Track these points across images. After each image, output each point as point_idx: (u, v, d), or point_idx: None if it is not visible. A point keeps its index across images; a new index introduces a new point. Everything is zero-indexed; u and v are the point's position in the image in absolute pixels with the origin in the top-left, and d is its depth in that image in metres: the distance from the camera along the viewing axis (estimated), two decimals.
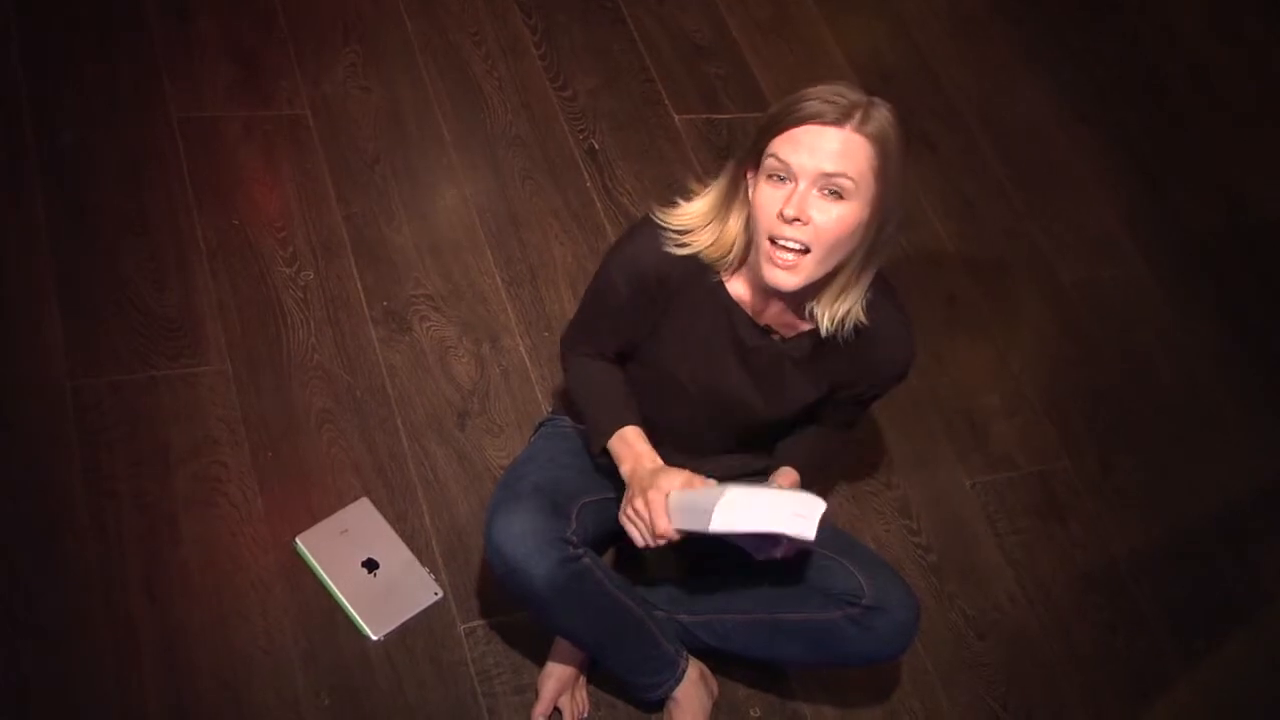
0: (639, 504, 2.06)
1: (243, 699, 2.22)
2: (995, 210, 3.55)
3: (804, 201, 1.90)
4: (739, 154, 2.03)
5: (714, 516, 1.93)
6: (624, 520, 2.10)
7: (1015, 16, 4.10)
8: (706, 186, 2.09)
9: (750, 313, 2.12)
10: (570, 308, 2.88)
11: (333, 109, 3.07)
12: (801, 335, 2.13)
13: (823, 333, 2.08)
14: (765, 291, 2.07)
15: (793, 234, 1.92)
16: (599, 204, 3.12)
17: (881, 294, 2.10)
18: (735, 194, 2.03)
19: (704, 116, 3.41)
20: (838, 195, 1.90)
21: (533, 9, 3.47)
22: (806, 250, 1.93)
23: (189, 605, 2.29)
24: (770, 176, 1.93)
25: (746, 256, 2.07)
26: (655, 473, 2.08)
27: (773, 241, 1.94)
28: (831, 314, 2.05)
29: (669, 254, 2.07)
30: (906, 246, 3.34)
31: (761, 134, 1.95)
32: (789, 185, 1.91)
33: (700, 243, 2.06)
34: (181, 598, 2.30)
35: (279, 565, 2.38)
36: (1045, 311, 3.37)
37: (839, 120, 1.89)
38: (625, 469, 2.15)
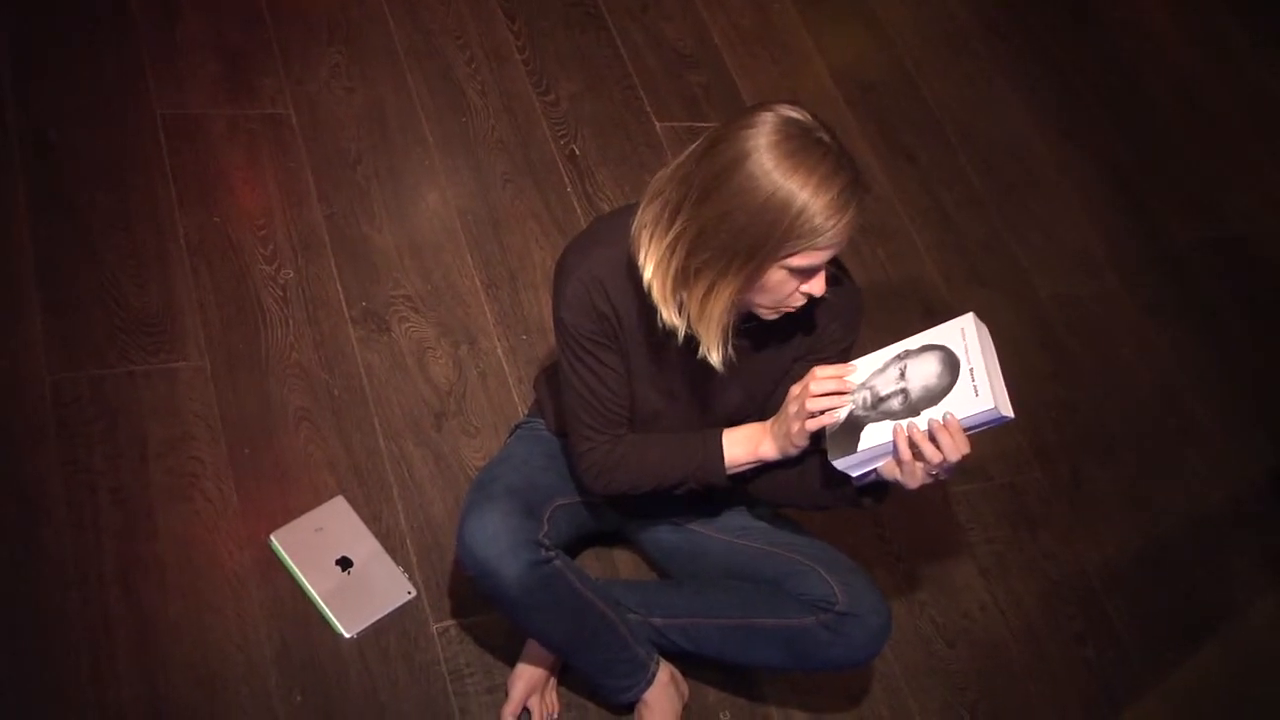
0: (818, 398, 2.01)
1: (216, 695, 2.23)
2: (973, 222, 3.57)
3: (825, 277, 1.95)
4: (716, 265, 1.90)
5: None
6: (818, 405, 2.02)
7: (997, 30, 4.13)
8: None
9: None
10: (548, 312, 2.89)
11: (316, 109, 3.08)
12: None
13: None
14: None
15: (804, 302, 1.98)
16: (579, 209, 3.13)
17: None
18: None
19: (685, 124, 3.42)
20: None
21: (517, 14, 3.48)
22: None
23: (164, 600, 2.30)
24: (791, 269, 1.90)
25: None
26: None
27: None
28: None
29: (595, 279, 2.03)
30: (884, 258, 3.36)
31: (771, 248, 1.86)
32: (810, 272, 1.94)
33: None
34: (157, 592, 2.31)
35: (254, 562, 2.39)
36: (1022, 324, 3.39)
37: (851, 205, 1.87)
38: (763, 432, 2.12)
